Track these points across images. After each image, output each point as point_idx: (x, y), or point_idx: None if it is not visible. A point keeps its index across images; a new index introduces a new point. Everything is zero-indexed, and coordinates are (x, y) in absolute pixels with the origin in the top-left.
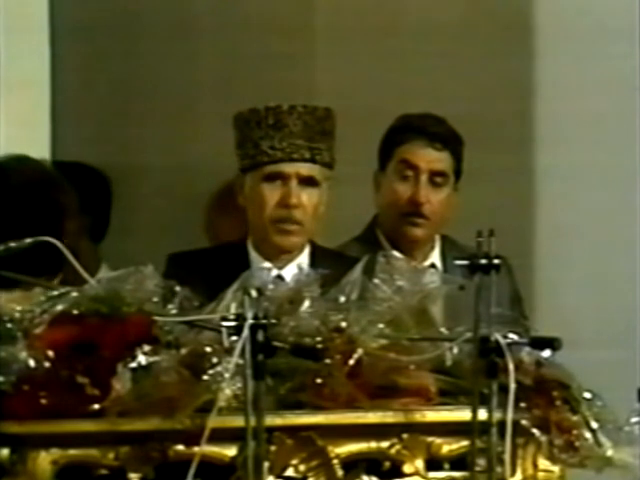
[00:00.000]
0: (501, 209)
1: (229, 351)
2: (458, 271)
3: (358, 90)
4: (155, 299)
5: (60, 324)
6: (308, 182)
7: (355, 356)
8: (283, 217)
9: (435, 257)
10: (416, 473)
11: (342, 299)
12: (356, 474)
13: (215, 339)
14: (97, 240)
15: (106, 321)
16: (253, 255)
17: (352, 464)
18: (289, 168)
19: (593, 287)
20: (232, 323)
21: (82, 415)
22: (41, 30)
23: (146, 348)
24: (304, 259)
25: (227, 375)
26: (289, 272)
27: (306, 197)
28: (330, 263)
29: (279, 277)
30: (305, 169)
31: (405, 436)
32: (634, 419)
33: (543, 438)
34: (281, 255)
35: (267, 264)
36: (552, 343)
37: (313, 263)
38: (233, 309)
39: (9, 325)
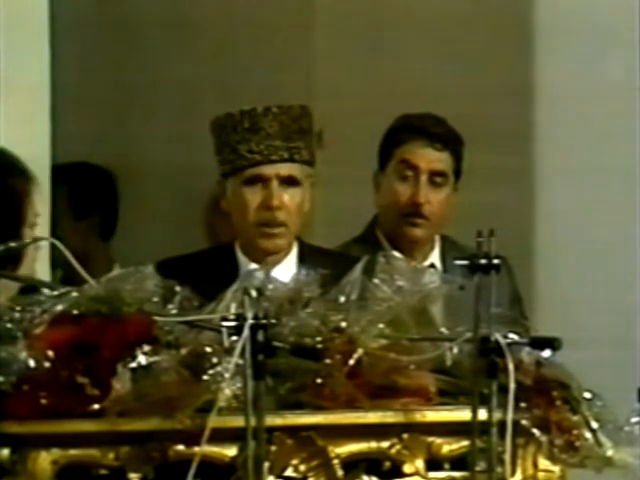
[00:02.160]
0: (501, 209)
1: (229, 351)
2: (458, 271)
3: (358, 90)
4: (155, 299)
5: (60, 324)
6: (289, 182)
7: (355, 356)
8: (266, 220)
9: (435, 257)
10: (416, 473)
11: (342, 299)
12: (356, 474)
13: (215, 339)
14: (106, 238)
15: (106, 321)
16: (241, 258)
17: (352, 464)
18: (268, 170)
19: (593, 287)
20: (232, 323)
21: (82, 415)
22: (41, 29)
23: (146, 348)
24: (292, 259)
25: (227, 375)
26: (278, 273)
27: (288, 197)
28: (319, 260)
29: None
30: (285, 169)
31: (405, 436)
32: (634, 419)
33: (543, 438)
34: (268, 257)
35: (255, 266)
36: (552, 343)
37: (302, 261)
38: (233, 309)
39: (9, 325)
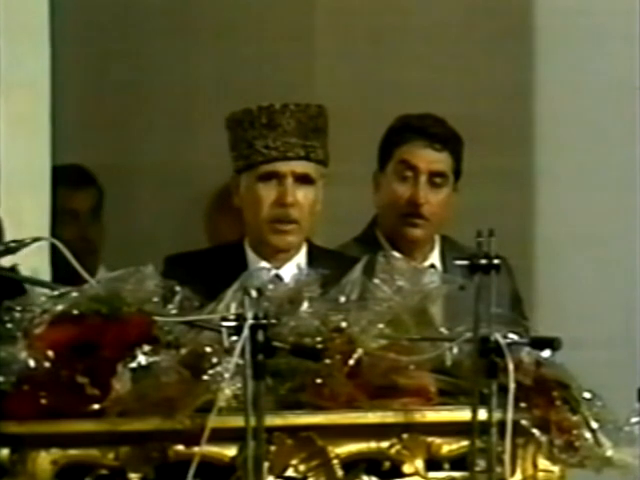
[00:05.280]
0: (501, 209)
1: (229, 351)
2: (458, 271)
3: (358, 90)
4: (155, 299)
5: (60, 324)
6: (303, 180)
7: (355, 356)
8: (279, 216)
9: (435, 257)
10: (416, 473)
11: (342, 299)
12: (356, 474)
13: (215, 339)
14: None
15: (106, 321)
16: (250, 255)
17: (352, 464)
18: (284, 167)
19: (593, 287)
20: (232, 323)
21: (82, 415)
22: (41, 31)
23: (146, 348)
24: (301, 258)
25: (227, 375)
26: (287, 271)
27: (302, 195)
28: (327, 262)
29: (277, 277)
30: (300, 167)
31: (405, 436)
32: (634, 419)
33: (543, 438)
34: (278, 255)
35: (265, 264)
36: (552, 343)
37: (310, 262)
38: (233, 309)
39: (9, 325)
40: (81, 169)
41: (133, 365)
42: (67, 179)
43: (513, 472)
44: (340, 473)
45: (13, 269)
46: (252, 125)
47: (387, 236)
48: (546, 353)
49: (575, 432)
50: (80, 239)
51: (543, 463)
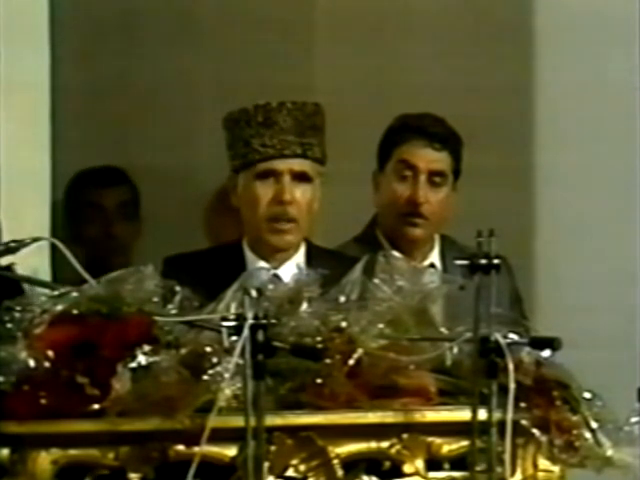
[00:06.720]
0: (501, 209)
1: (229, 351)
2: (458, 271)
3: (357, 90)
4: (155, 299)
5: (60, 324)
6: (301, 178)
7: (355, 356)
8: (277, 214)
9: (434, 257)
10: (416, 473)
11: (342, 299)
12: (356, 474)
13: (215, 339)
14: None
15: (106, 321)
16: (249, 255)
17: (352, 464)
18: (281, 164)
19: (593, 287)
20: (232, 323)
21: (82, 415)
22: (41, 29)
23: (146, 348)
24: (300, 258)
25: (227, 375)
26: (285, 271)
27: (299, 193)
28: (326, 262)
29: (276, 276)
30: (297, 165)
31: (405, 436)
32: (634, 419)
33: (543, 438)
34: (276, 254)
35: (263, 264)
36: (552, 343)
37: (309, 262)
38: (233, 309)
39: (9, 325)
40: (113, 168)
41: (133, 365)
42: (97, 178)
43: (513, 472)
44: (340, 473)
45: (9, 268)
46: (249, 124)
47: (387, 236)
48: (546, 353)
49: (575, 432)
50: (105, 235)
51: (543, 463)
